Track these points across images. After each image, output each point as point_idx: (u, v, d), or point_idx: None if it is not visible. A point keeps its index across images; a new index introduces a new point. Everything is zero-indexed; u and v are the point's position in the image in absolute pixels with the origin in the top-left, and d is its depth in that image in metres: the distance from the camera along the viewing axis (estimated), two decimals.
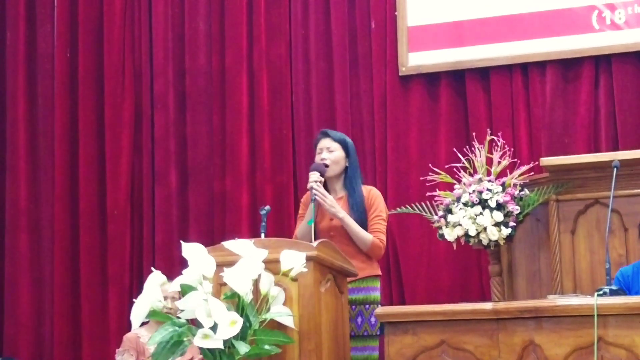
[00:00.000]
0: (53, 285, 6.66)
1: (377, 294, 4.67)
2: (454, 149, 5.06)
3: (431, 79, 6.16)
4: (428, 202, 4.86)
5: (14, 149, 6.84)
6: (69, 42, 6.82)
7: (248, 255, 3.85)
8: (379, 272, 4.76)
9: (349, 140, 4.85)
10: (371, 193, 4.80)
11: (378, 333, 4.61)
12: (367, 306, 4.60)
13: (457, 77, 6.11)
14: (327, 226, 4.66)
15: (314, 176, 4.60)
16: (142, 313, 3.85)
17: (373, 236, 4.69)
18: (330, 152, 4.74)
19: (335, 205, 4.59)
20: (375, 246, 4.69)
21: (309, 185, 4.60)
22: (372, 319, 4.59)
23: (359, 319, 4.55)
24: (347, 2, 6.35)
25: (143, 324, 4.87)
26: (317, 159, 4.75)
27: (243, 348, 3.74)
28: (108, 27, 6.75)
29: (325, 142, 4.77)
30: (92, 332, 6.38)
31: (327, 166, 4.69)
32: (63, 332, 6.58)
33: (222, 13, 6.59)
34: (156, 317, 3.94)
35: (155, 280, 3.91)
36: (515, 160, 4.87)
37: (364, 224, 4.68)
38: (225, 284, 3.87)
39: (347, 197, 4.73)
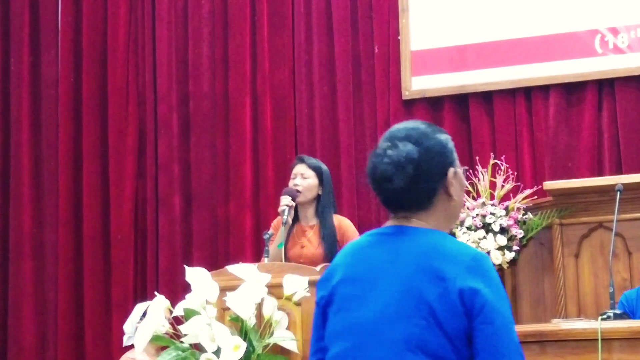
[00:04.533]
0: (57, 311, 6.66)
1: None
2: None
3: (434, 103, 6.18)
4: None
5: (17, 174, 6.87)
6: (73, 67, 6.87)
7: (251, 279, 3.86)
8: None
9: (324, 168, 4.82)
10: (343, 224, 4.78)
11: None
12: None
13: (461, 101, 6.13)
14: (297, 254, 4.66)
15: (285, 200, 4.58)
16: (146, 337, 3.86)
17: None
18: (304, 178, 4.72)
19: None
20: None
21: (280, 209, 4.59)
22: None
23: None
24: (351, 27, 6.38)
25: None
26: (291, 183, 4.73)
27: None
28: (112, 52, 6.79)
29: (300, 168, 4.76)
30: (95, 357, 6.39)
31: (299, 192, 4.68)
32: (67, 357, 6.58)
33: (226, 38, 6.63)
34: (159, 341, 3.95)
35: (159, 304, 3.92)
36: (519, 184, 4.90)
37: (333, 255, 4.65)
38: (228, 308, 3.88)
39: (319, 227, 4.73)
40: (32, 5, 7.03)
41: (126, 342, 4.88)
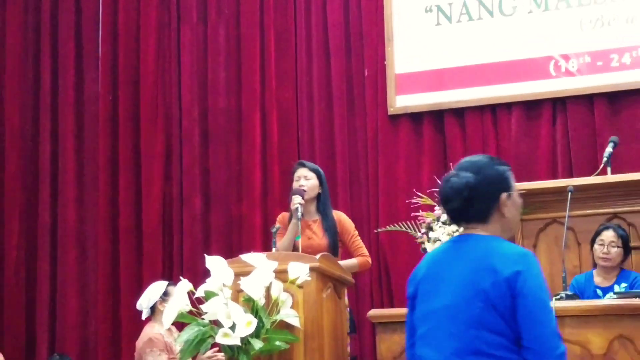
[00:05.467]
0: (97, 293, 6.68)
1: (345, 300, 4.62)
2: (435, 177, 5.09)
3: (415, 118, 6.18)
4: (413, 221, 4.88)
5: (64, 177, 6.89)
6: (111, 87, 6.88)
7: (261, 266, 3.87)
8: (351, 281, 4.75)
9: (321, 170, 4.83)
10: (341, 218, 4.79)
11: (349, 332, 4.57)
12: None
13: (437, 116, 6.13)
14: (306, 245, 4.64)
15: (297, 199, 4.56)
16: (173, 315, 3.88)
17: (358, 255, 4.70)
18: (307, 179, 4.70)
19: None
20: (363, 264, 4.71)
21: (293, 207, 4.58)
22: None
23: (347, 320, 4.49)
24: (345, 53, 6.39)
25: (150, 319, 4.83)
26: (295, 185, 4.71)
27: (257, 344, 3.76)
28: (144, 74, 6.80)
29: (302, 171, 4.74)
30: (129, 332, 6.37)
31: (304, 191, 4.67)
32: (105, 333, 6.59)
33: (239, 62, 6.64)
34: (184, 319, 3.94)
35: (183, 287, 3.94)
36: None
37: (335, 245, 4.67)
38: (242, 291, 3.90)
39: (321, 221, 4.72)
40: (76, 35, 7.04)
41: (145, 315, 4.84)
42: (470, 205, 2.43)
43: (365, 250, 4.74)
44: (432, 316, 2.43)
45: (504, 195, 2.46)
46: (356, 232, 4.78)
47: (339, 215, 4.80)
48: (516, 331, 2.32)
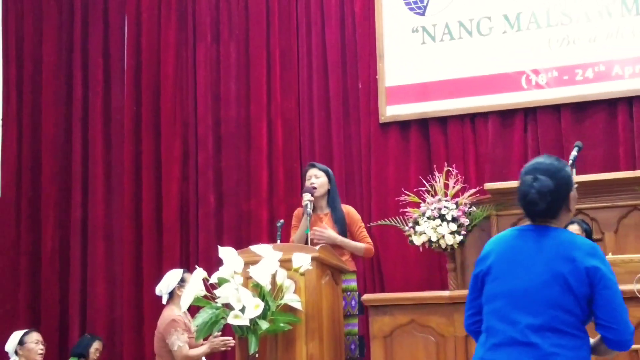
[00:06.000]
0: (122, 281, 6.68)
1: (354, 284, 4.64)
2: (421, 177, 5.10)
3: (403, 126, 6.19)
4: (402, 217, 4.89)
5: (94, 179, 6.90)
6: (134, 98, 6.88)
7: (268, 256, 3.89)
8: (355, 269, 4.75)
9: (330, 170, 4.84)
10: (350, 211, 4.79)
11: (357, 313, 4.58)
12: (348, 293, 4.57)
13: (423, 124, 6.13)
14: None
15: (307, 196, 4.56)
16: (190, 299, 3.88)
17: (364, 243, 4.72)
18: (317, 178, 4.71)
19: (333, 237, 4.56)
20: (368, 250, 4.72)
21: (303, 203, 4.57)
22: (352, 302, 4.56)
23: (343, 303, 4.53)
24: (341, 69, 6.40)
25: (169, 302, 4.79)
26: (307, 183, 4.71)
27: (264, 325, 3.79)
28: (164, 87, 6.81)
29: (313, 171, 4.75)
30: (151, 316, 6.37)
31: (315, 188, 4.67)
32: (130, 316, 6.60)
33: (248, 76, 6.64)
34: (199, 302, 3.95)
35: (199, 275, 3.94)
36: (466, 185, 4.89)
37: (344, 235, 4.67)
38: (251, 278, 3.91)
39: (331, 214, 4.72)
40: (104, 52, 7.06)
41: (165, 299, 4.82)
42: (550, 206, 2.48)
43: (370, 240, 4.76)
44: (508, 294, 2.45)
45: (572, 194, 2.53)
46: (362, 224, 4.80)
47: (348, 209, 4.81)
48: (586, 313, 2.40)
